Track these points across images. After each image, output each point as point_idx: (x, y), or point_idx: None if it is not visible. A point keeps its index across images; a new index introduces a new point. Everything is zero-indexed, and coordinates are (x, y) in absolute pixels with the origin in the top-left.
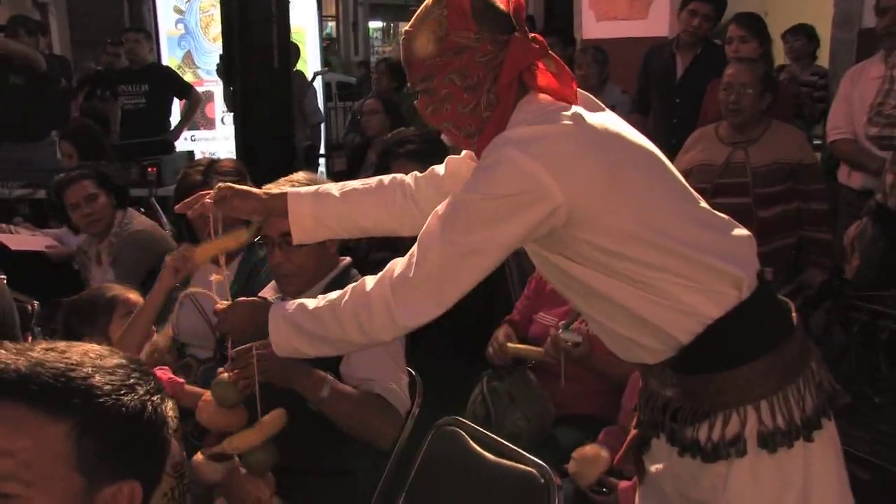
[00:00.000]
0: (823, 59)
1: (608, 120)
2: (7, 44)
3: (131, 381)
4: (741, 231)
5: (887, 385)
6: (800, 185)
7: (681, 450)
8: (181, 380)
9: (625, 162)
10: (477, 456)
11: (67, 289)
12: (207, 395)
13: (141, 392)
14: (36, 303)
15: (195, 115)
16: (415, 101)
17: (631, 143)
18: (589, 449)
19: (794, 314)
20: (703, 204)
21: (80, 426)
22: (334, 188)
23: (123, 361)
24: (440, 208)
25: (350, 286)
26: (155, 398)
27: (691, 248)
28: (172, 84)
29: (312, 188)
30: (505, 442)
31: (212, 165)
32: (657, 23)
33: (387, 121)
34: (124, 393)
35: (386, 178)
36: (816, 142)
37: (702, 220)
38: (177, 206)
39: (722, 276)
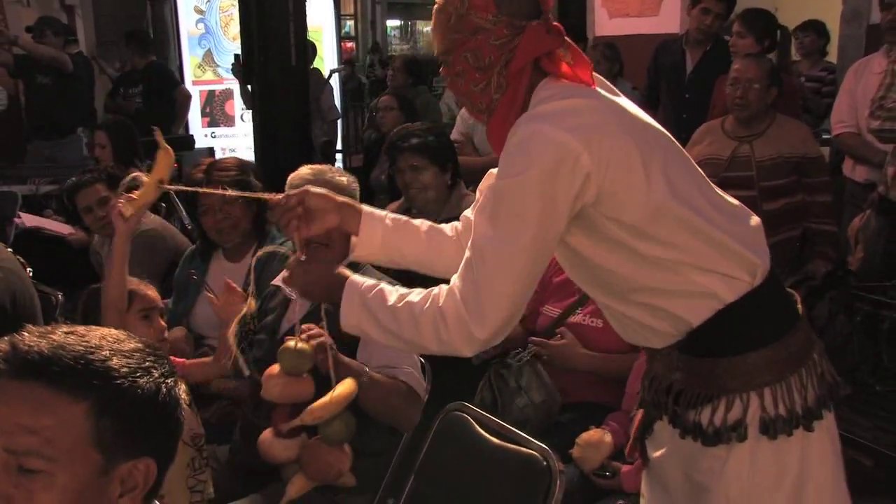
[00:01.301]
0: (833, 55)
1: (627, 102)
2: (36, 47)
3: (147, 363)
4: (754, 218)
5: (888, 374)
6: (805, 178)
7: (682, 432)
8: (181, 359)
9: (649, 138)
10: (482, 439)
11: (90, 280)
12: (273, 368)
13: (156, 375)
14: (60, 294)
15: (186, 112)
16: (440, 70)
17: (650, 124)
18: (593, 434)
19: (799, 305)
20: (718, 190)
21: (99, 406)
22: (406, 220)
23: (140, 346)
24: (482, 204)
25: (428, 291)
26: (169, 381)
27: (714, 226)
28: (162, 83)
29: (383, 213)
30: (509, 426)
31: (213, 164)
32: (668, 19)
33: (401, 117)
34: (140, 375)
35: (450, 226)
36: (826, 136)
37: (719, 204)
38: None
39: (739, 260)
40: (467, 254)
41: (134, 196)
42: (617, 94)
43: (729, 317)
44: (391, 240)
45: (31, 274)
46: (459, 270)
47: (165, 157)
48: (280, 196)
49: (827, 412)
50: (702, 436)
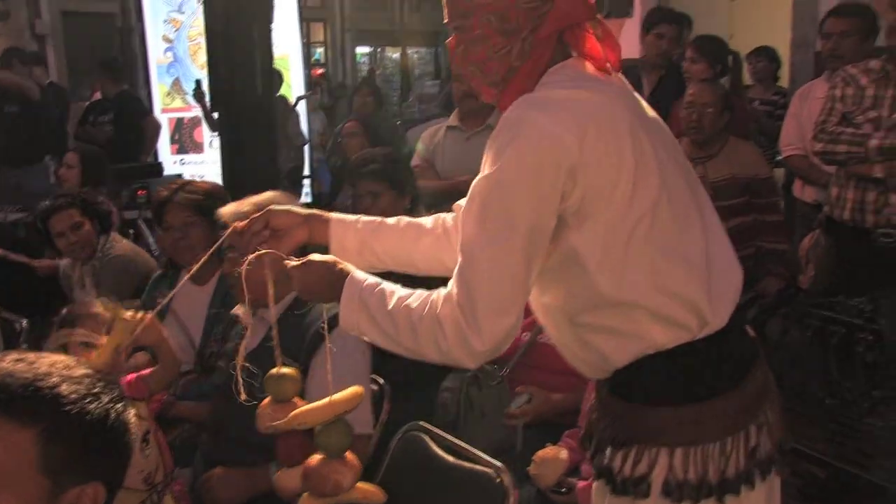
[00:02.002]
0: (786, 79)
1: (645, 105)
2: (3, 77)
3: (96, 389)
4: (737, 273)
5: (837, 387)
6: (756, 199)
7: (597, 473)
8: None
9: (652, 151)
10: (438, 458)
11: (57, 306)
12: (264, 402)
13: (105, 400)
14: (24, 321)
15: (154, 142)
16: (447, 41)
17: (659, 137)
18: (549, 451)
19: (752, 372)
20: (714, 221)
21: (47, 432)
22: (379, 220)
23: (89, 372)
24: (467, 201)
25: (427, 296)
26: (118, 406)
27: (683, 268)
28: (132, 112)
29: (353, 217)
30: (464, 444)
31: (185, 185)
32: (628, 46)
33: (366, 142)
34: (89, 401)
35: (431, 219)
36: (780, 158)
37: (707, 243)
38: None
39: (693, 311)
40: (459, 259)
41: (86, 357)
42: (634, 96)
43: (657, 363)
44: (365, 241)
45: None
46: (454, 275)
47: (123, 326)
48: (242, 223)
49: (746, 488)
50: (612, 482)
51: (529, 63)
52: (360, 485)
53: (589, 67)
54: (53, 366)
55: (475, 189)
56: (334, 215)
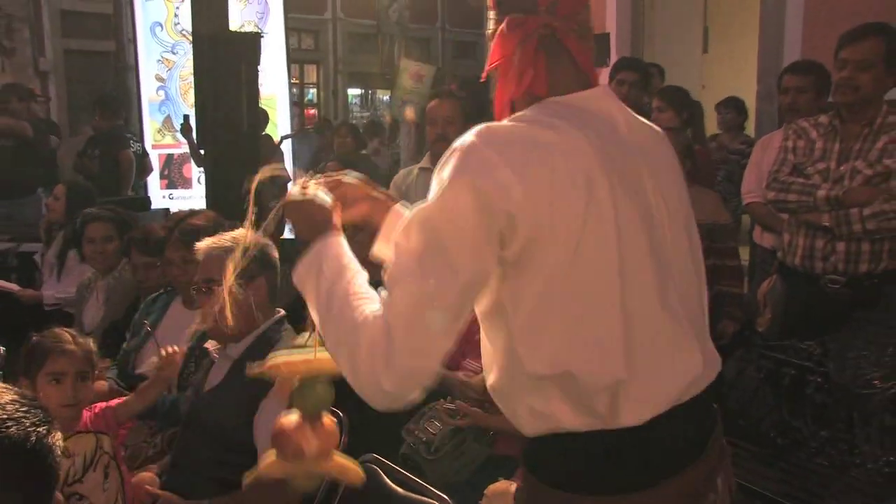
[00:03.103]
0: (752, 129)
1: (629, 138)
2: None
3: (18, 414)
4: (692, 364)
5: (788, 427)
6: (715, 244)
7: None
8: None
9: (612, 212)
10: (390, 490)
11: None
12: (269, 454)
13: (27, 424)
14: (2, 348)
15: (129, 176)
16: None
17: (638, 186)
18: (499, 484)
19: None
20: (671, 297)
21: None
22: None
23: (16, 397)
24: (406, 224)
25: (370, 311)
26: (41, 429)
27: (619, 352)
28: (114, 147)
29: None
30: (413, 477)
31: (185, 218)
32: None
33: None
34: (10, 426)
35: None
36: None
37: (655, 324)
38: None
39: (605, 399)
40: (384, 289)
41: None
42: (617, 136)
43: (564, 444)
44: None
45: None
46: (379, 303)
47: None
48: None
49: None
50: None
51: (518, 66)
52: (337, 459)
53: (593, 104)
54: None
55: (416, 215)
56: (399, 206)
